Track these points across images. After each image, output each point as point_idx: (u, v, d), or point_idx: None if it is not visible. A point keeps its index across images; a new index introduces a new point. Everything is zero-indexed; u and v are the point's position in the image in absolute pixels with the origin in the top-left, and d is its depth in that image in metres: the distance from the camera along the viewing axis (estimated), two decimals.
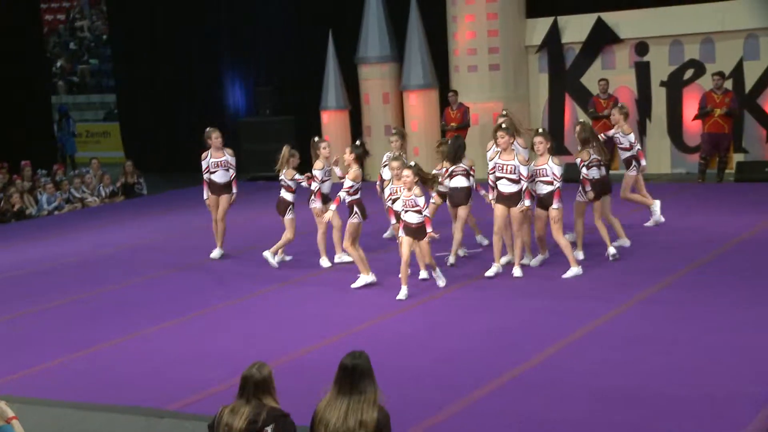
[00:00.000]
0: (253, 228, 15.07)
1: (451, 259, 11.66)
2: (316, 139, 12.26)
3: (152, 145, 23.87)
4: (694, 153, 17.62)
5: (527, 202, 10.80)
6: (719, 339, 8.27)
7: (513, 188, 10.81)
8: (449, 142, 11.82)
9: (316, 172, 11.81)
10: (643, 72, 18.17)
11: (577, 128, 11.59)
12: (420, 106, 19.06)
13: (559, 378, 7.55)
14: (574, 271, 10.72)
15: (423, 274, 10.95)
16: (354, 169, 10.93)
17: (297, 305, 10.39)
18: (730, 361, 7.68)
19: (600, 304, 9.59)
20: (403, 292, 10.27)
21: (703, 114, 16.67)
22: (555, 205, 10.73)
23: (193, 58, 23.16)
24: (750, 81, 17.41)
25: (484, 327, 9.10)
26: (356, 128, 19.91)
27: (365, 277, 10.91)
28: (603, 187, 11.45)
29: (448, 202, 11.80)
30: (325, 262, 12.04)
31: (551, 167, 10.73)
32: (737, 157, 17.33)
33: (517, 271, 10.97)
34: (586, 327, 8.84)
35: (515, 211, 10.87)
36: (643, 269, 10.90)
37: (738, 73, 17.44)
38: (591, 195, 11.27)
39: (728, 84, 17.15)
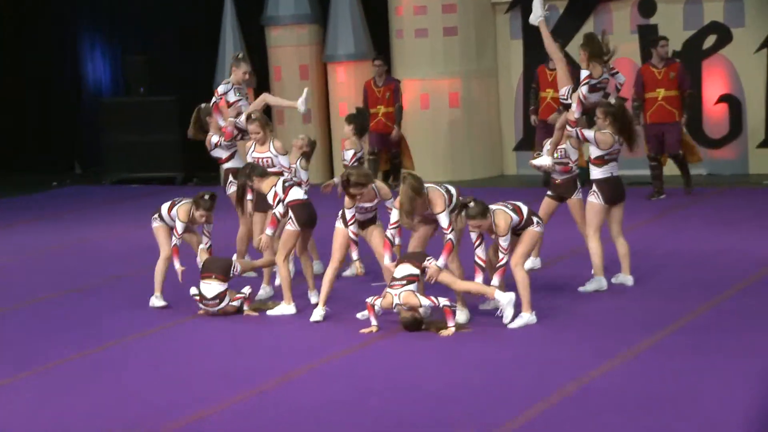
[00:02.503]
0: (124, 248, 15.18)
1: None
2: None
3: None
4: (717, 148, 17.92)
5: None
6: (730, 399, 8.45)
7: None
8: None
9: None
10: (649, 39, 18.34)
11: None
12: (350, 83, 19.19)
13: None
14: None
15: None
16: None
17: (183, 353, 10.44)
18: None
19: (588, 355, 9.76)
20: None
21: (637, 106, 16.75)
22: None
23: (39, 16, 22.97)
24: None
25: (437, 385, 9.16)
26: (264, 112, 19.96)
27: (286, 307, 11.46)
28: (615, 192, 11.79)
29: None
30: (158, 300, 11.98)
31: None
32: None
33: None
34: (571, 385, 8.96)
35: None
36: (640, 310, 11.12)
37: None
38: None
39: (738, 52, 17.55)
